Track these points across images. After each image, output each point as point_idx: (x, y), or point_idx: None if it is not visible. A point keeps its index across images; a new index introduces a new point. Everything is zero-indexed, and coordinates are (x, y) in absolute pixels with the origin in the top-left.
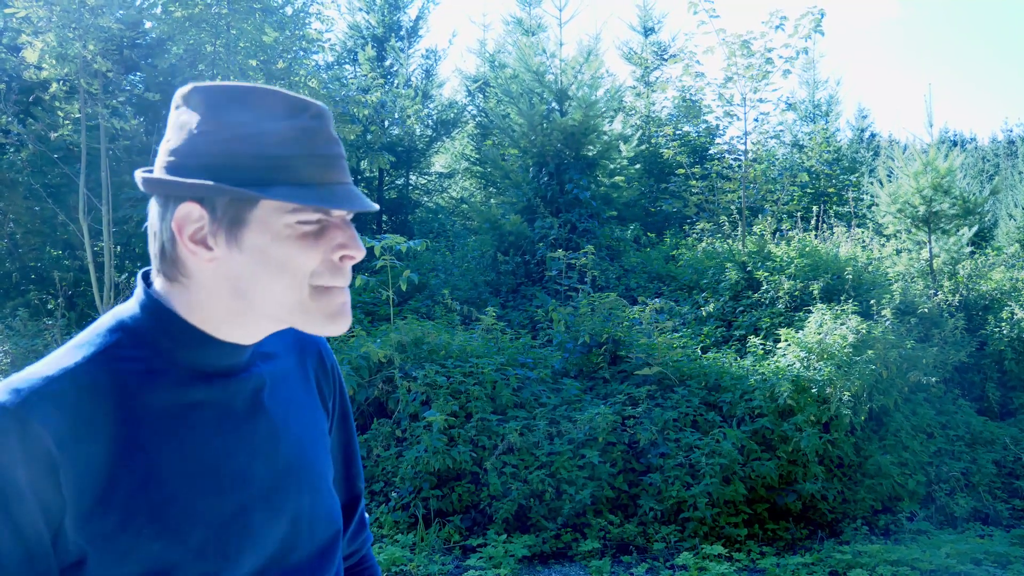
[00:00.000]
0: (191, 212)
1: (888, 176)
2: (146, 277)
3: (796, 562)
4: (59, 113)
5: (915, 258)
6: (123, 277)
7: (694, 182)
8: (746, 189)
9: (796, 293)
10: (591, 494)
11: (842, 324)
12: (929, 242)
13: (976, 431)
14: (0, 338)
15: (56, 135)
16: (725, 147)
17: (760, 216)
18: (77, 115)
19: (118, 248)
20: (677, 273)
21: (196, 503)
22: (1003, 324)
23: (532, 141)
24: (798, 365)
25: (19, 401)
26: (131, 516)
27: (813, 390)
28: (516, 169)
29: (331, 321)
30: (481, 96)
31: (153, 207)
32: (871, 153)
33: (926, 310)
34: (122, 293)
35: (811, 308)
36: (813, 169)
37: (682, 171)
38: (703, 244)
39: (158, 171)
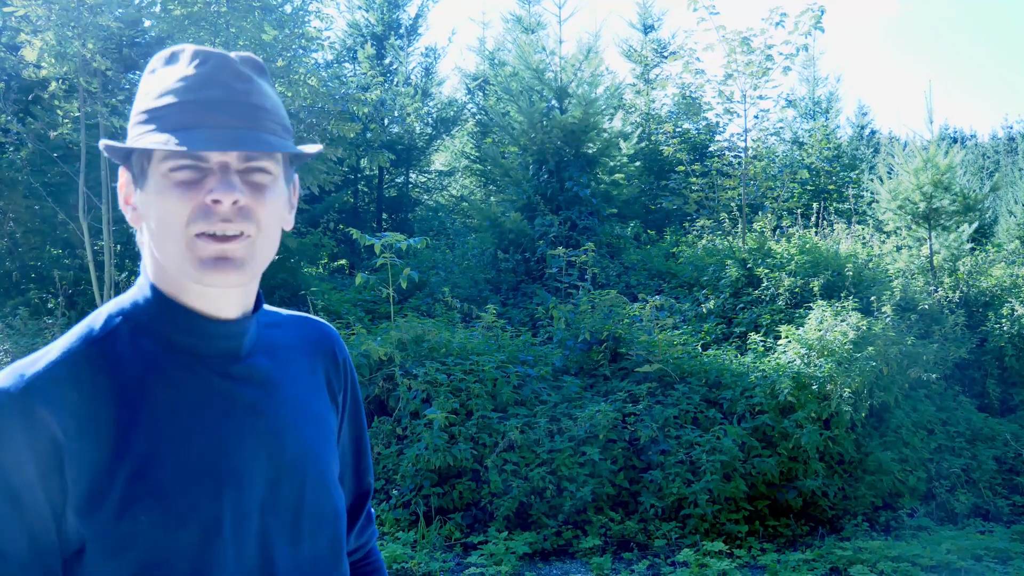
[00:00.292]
0: (122, 174)
1: (888, 173)
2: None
3: (797, 558)
4: (58, 112)
5: (915, 255)
6: (123, 276)
7: (694, 179)
8: (746, 186)
9: (796, 290)
10: (592, 491)
11: (842, 321)
12: (929, 239)
13: (976, 427)
14: (0, 337)
15: (55, 134)
16: (725, 144)
17: (760, 213)
18: (76, 114)
19: (118, 247)
20: (677, 270)
21: (195, 493)
22: (1003, 320)
23: (532, 139)
24: (798, 362)
25: (23, 386)
26: (130, 504)
27: (814, 387)
28: (516, 167)
29: (201, 270)
30: (481, 94)
31: None
32: (871, 150)
33: (926, 307)
34: (122, 291)
35: (811, 305)
36: (813, 166)
37: (682, 168)
38: (703, 241)
39: None
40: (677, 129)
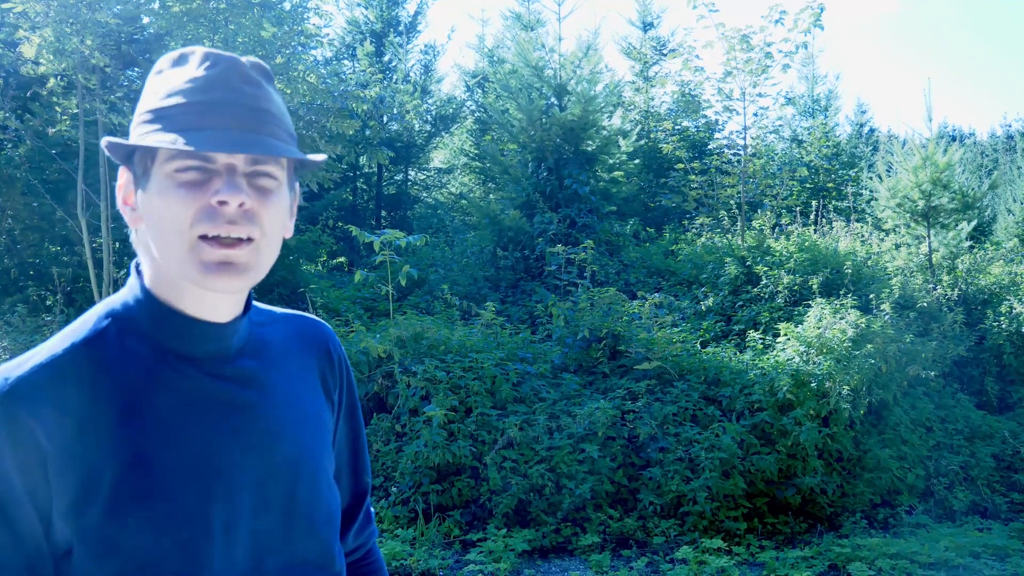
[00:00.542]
0: (122, 174)
1: (887, 171)
2: (139, 267)
3: (795, 556)
4: (57, 108)
5: (914, 252)
6: (122, 273)
7: (693, 177)
8: (745, 184)
9: (795, 288)
10: (591, 488)
11: (841, 318)
12: (928, 236)
13: (975, 425)
14: None
15: (54, 131)
16: (724, 142)
17: (759, 211)
18: (75, 111)
19: (117, 244)
20: (676, 268)
21: (184, 494)
22: (1002, 318)
23: (531, 136)
24: (797, 359)
25: (7, 390)
26: (116, 508)
27: (812, 384)
28: (515, 164)
29: (204, 273)
30: (480, 91)
31: None
32: (870, 148)
33: (925, 304)
34: (121, 289)
35: (810, 302)
36: (812, 164)
37: (681, 166)
38: (702, 239)
39: None
40: (676, 127)
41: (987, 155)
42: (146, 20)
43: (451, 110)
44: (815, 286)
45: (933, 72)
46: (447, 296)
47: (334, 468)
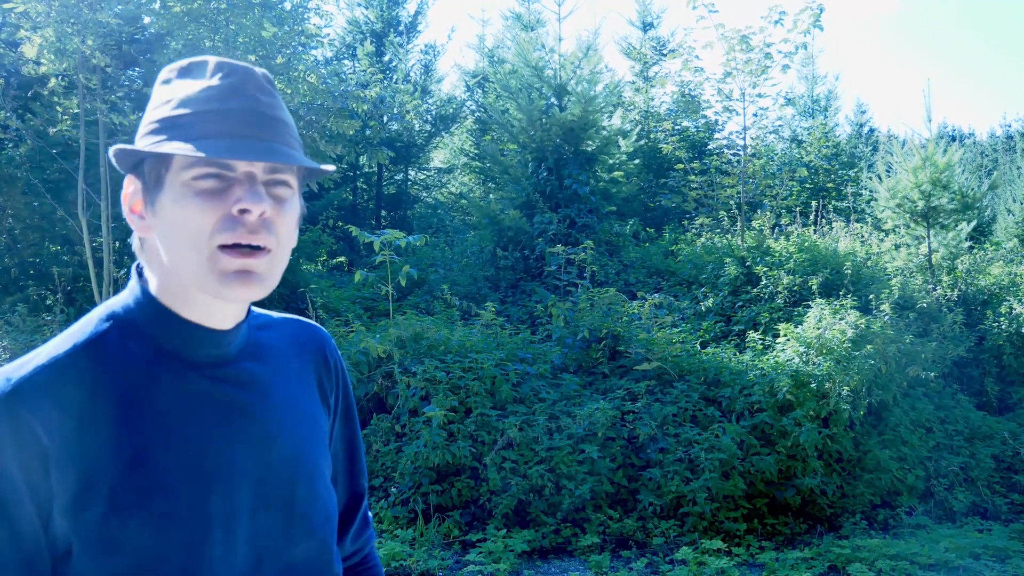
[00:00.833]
0: (129, 182)
1: (887, 171)
2: (140, 269)
3: (795, 556)
4: (58, 108)
5: (914, 253)
6: (122, 273)
7: (693, 177)
8: (745, 184)
9: (795, 288)
10: (590, 489)
11: (841, 319)
12: (928, 237)
13: (975, 426)
14: None
15: (55, 130)
16: (724, 142)
17: (759, 211)
18: (76, 110)
19: (117, 244)
20: (676, 268)
21: (183, 495)
22: (1002, 319)
23: (531, 136)
24: (797, 360)
25: (10, 390)
26: (117, 507)
27: (812, 385)
28: (515, 164)
29: (223, 283)
30: (480, 91)
31: None
32: (870, 148)
33: (925, 305)
34: (121, 288)
35: (810, 303)
36: (812, 164)
37: (681, 166)
38: (702, 239)
39: None
40: (676, 127)
41: (987, 155)
42: (147, 20)
43: (451, 110)
44: (815, 287)
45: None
46: (447, 296)
47: (331, 471)
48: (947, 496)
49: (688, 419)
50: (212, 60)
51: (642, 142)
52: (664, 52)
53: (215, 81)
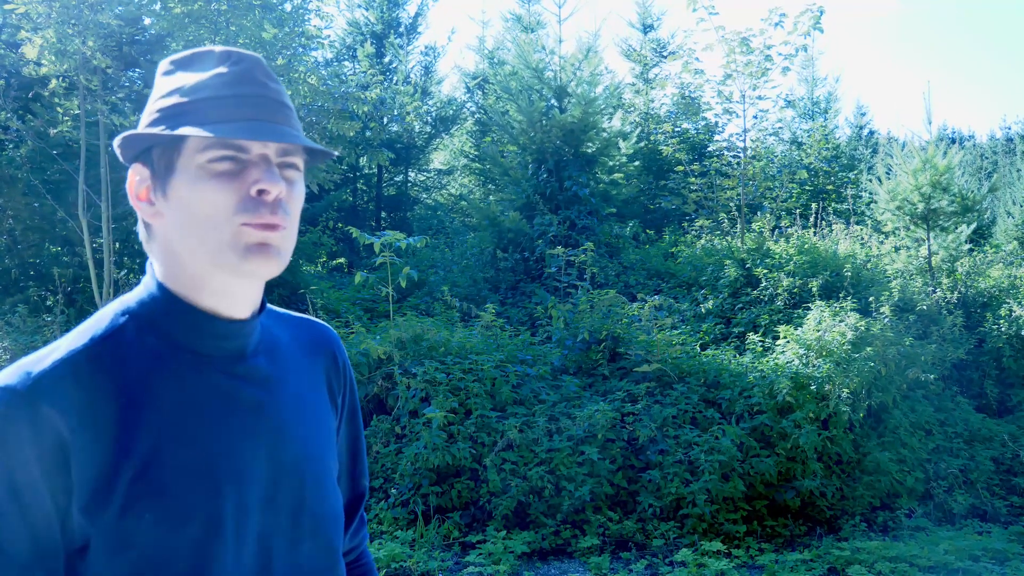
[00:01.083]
0: (136, 171)
1: (887, 173)
2: (152, 265)
3: (795, 559)
4: (58, 109)
5: (914, 255)
6: (122, 273)
7: (693, 179)
8: (745, 186)
9: (795, 290)
10: (590, 491)
11: (841, 321)
12: (928, 239)
13: (974, 428)
14: None
15: (55, 131)
16: (724, 144)
17: (759, 213)
18: (76, 111)
19: (117, 245)
20: (676, 270)
21: (197, 491)
22: (1001, 321)
23: (531, 138)
24: (797, 362)
25: (30, 383)
26: (133, 502)
27: (812, 387)
28: (515, 166)
29: (246, 256)
30: (480, 93)
31: None
32: (870, 150)
33: (925, 307)
34: (121, 289)
35: (810, 305)
36: (812, 166)
37: (681, 168)
38: (702, 241)
39: None
40: (676, 129)
41: (987, 157)
42: (147, 21)
43: (451, 111)
44: (815, 289)
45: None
46: (447, 298)
47: (336, 471)
48: (947, 498)
49: (688, 421)
50: (217, 49)
51: (642, 144)
52: (664, 54)
53: (224, 69)
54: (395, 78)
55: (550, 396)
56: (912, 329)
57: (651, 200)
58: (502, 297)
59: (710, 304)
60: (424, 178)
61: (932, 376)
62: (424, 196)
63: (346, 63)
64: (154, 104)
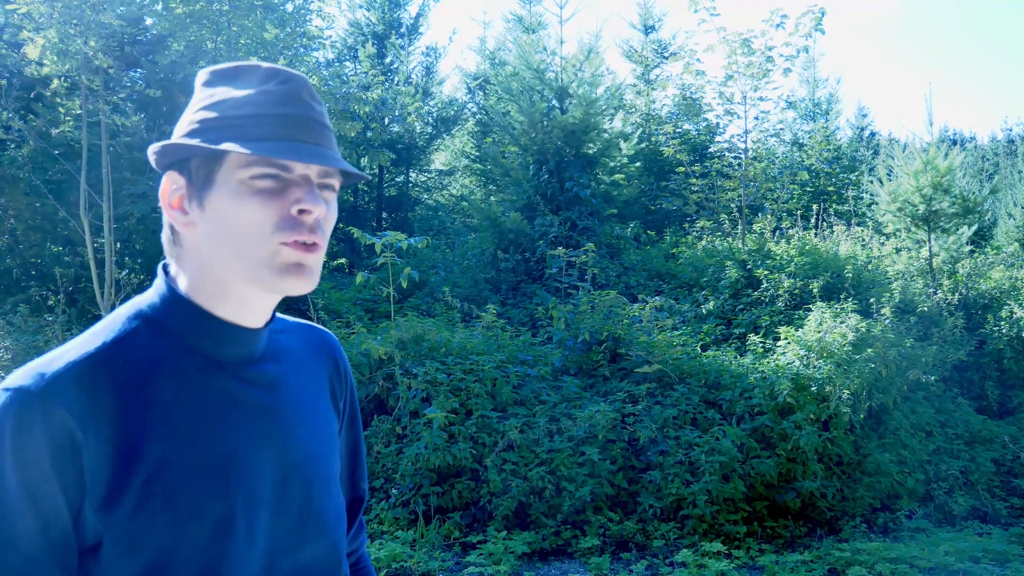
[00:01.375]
0: (171, 179)
1: (888, 175)
2: (166, 268)
3: (795, 559)
4: (60, 109)
5: (915, 257)
6: (124, 273)
7: (694, 180)
8: (746, 187)
9: (796, 291)
10: (591, 491)
11: (842, 322)
12: (929, 241)
13: (975, 429)
14: (1, 334)
15: (57, 131)
16: (725, 145)
17: (760, 214)
18: (78, 111)
19: (119, 244)
20: (677, 271)
21: (207, 492)
22: (1002, 323)
23: (532, 139)
24: (798, 363)
25: (44, 385)
26: (145, 502)
27: (812, 388)
28: (516, 167)
29: (281, 275)
30: (481, 93)
31: None
32: (871, 152)
33: (925, 309)
34: (123, 289)
35: (811, 306)
36: (813, 167)
37: (682, 169)
38: (703, 242)
39: None
40: (677, 130)
41: (988, 159)
42: (149, 22)
43: (452, 112)
44: (815, 290)
45: (934, 75)
46: (448, 298)
47: (339, 473)
48: (947, 500)
49: (688, 422)
50: (264, 65)
51: (643, 145)
52: (665, 55)
53: (272, 87)
54: (396, 79)
55: (551, 397)
56: (913, 330)
57: (652, 201)
58: (503, 298)
59: (711, 305)
60: (425, 179)
61: (933, 377)
62: (425, 197)
63: (347, 63)
64: (194, 114)
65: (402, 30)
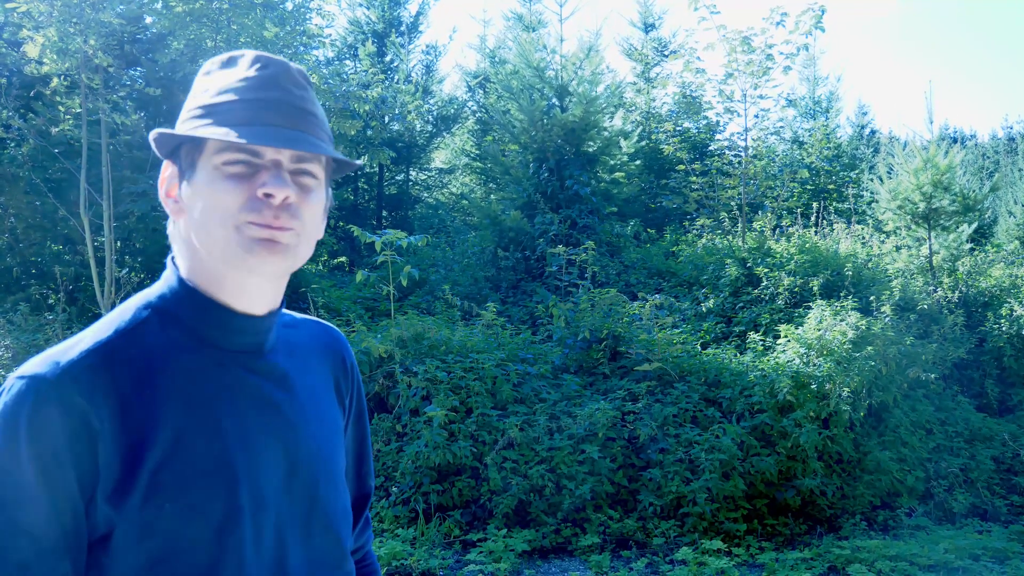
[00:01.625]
0: (167, 168)
1: (888, 173)
2: (175, 259)
3: (795, 557)
4: (60, 108)
5: (915, 255)
6: (124, 272)
7: (694, 178)
8: (746, 185)
9: (796, 289)
10: (591, 489)
11: (842, 320)
12: (929, 239)
13: (975, 427)
14: (1, 333)
15: (57, 130)
16: (725, 143)
17: (760, 212)
18: (78, 110)
19: (119, 243)
20: (677, 269)
21: (216, 483)
22: (1002, 321)
23: (532, 137)
24: (798, 361)
25: (59, 373)
26: (155, 492)
27: (812, 386)
28: (516, 165)
29: (250, 251)
30: (481, 92)
31: None
32: (871, 150)
33: (926, 307)
34: (123, 288)
35: (811, 304)
36: (813, 165)
37: (682, 167)
38: (703, 240)
39: None
40: (677, 128)
41: (988, 157)
42: (149, 20)
43: (452, 110)
44: (815, 288)
45: (934, 73)
46: (448, 296)
47: (344, 469)
48: (947, 497)
49: (688, 420)
50: (250, 53)
51: (643, 143)
52: (665, 53)
53: (252, 72)
54: (396, 77)
55: (551, 395)
56: (913, 328)
57: (652, 199)
58: (503, 296)
59: (711, 303)
60: (425, 177)
61: (933, 375)
62: (425, 195)
63: (347, 62)
64: (189, 102)
65: (402, 28)
